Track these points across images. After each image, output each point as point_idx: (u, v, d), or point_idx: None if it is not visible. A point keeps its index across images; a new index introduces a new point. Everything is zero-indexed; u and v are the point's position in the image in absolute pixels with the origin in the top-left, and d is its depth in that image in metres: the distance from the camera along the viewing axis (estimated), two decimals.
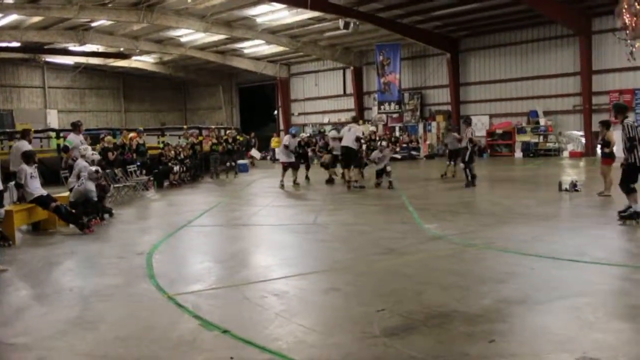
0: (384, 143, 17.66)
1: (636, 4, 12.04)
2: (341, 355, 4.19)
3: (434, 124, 28.58)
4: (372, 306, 5.26)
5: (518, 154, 25.42)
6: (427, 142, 28.18)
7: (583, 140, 23.85)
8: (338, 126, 21.78)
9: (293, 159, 16.33)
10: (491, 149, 26.37)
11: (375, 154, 15.52)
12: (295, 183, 16.34)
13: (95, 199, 10.46)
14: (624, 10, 12.24)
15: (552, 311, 5.06)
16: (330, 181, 16.60)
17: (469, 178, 14.48)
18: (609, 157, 11.91)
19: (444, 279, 6.19)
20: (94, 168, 10.75)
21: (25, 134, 11.37)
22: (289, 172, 16.22)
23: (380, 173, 15.18)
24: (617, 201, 11.08)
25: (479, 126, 24.81)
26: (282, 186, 15.94)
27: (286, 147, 16.22)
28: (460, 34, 27.21)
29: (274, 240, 9.21)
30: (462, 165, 14.97)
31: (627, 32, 12.50)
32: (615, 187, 10.67)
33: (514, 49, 26.19)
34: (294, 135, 16.90)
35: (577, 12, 22.68)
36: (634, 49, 12.95)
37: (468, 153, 14.52)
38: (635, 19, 12.18)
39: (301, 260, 7.56)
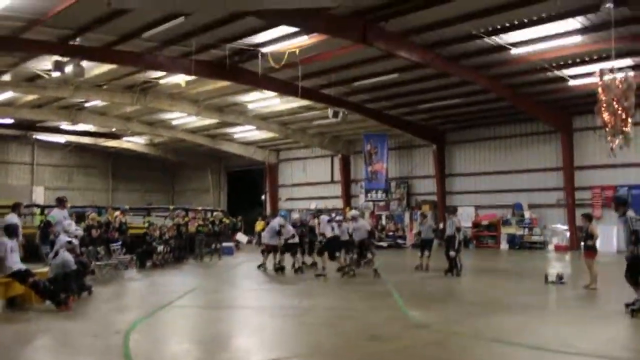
0: (353, 212, 16.59)
1: (614, 103, 12.53)
2: None
3: (419, 213, 28.76)
4: None
5: (504, 245, 25.47)
6: (413, 232, 28.23)
7: (567, 234, 24.05)
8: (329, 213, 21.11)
9: (276, 242, 15.48)
10: (477, 240, 26.44)
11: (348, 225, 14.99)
12: (278, 267, 15.38)
13: (74, 267, 10.27)
14: (602, 109, 12.70)
15: None
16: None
17: (458, 266, 14.27)
18: (591, 249, 11.95)
19: None
20: (67, 238, 10.64)
21: (15, 207, 11.31)
22: (271, 255, 15.71)
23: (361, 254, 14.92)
24: (604, 294, 11.08)
25: (464, 217, 25.00)
26: (262, 268, 15.70)
27: (279, 229, 15.37)
28: (446, 127, 28.00)
29: (255, 323, 8.98)
30: (452, 253, 14.32)
31: (606, 129, 12.92)
32: (598, 280, 10.70)
33: (498, 142, 26.91)
34: (284, 217, 16.54)
35: (558, 110, 23.53)
36: (613, 146, 13.34)
37: (457, 241, 14.38)
38: (614, 117, 12.62)
39: (283, 343, 7.36)
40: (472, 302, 10.68)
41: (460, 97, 22.51)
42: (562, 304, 10.98)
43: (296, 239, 15.47)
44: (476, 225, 26.63)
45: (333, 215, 18.14)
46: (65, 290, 9.84)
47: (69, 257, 10.30)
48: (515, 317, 8.89)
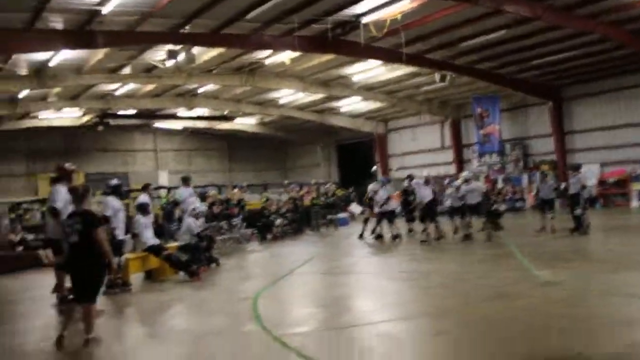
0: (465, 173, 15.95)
1: None
2: None
3: (538, 173, 27.45)
4: (484, 350, 4.99)
5: (635, 203, 23.69)
6: (532, 193, 27.02)
7: None
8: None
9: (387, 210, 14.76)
10: (604, 199, 24.81)
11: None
12: (376, 235, 14.95)
13: (197, 231, 11.03)
14: None
15: None
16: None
17: (584, 225, 13.53)
18: None
19: (563, 325, 5.76)
20: (193, 207, 11.42)
21: (145, 188, 12.22)
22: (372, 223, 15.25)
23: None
24: None
25: (589, 174, 23.51)
26: (361, 237, 15.52)
27: (372, 195, 15.05)
28: (562, 82, 26.28)
29: (374, 287, 9.08)
30: (578, 211, 13.54)
31: None
32: None
33: (620, 93, 24.83)
34: (384, 184, 15.84)
35: None
36: None
37: (582, 199, 13.67)
38: None
39: (403, 305, 7.38)
40: (602, 260, 10.08)
41: (575, 49, 20.98)
42: None
43: (391, 205, 14.95)
44: (602, 182, 24.95)
45: (446, 181, 17.46)
46: (195, 262, 10.51)
47: (192, 221, 11.05)
48: None
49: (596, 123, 25.83)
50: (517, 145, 28.90)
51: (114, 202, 9.39)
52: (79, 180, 26.14)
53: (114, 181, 9.90)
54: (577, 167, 14.91)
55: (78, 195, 6.43)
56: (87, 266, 5.98)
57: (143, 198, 11.48)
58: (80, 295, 6.07)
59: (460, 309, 6.87)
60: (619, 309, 6.37)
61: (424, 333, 5.87)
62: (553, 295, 7.23)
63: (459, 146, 31.60)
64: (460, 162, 31.31)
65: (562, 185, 15.56)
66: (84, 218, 6.10)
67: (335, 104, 31.04)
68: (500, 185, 28.01)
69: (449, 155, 32.02)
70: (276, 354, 5.30)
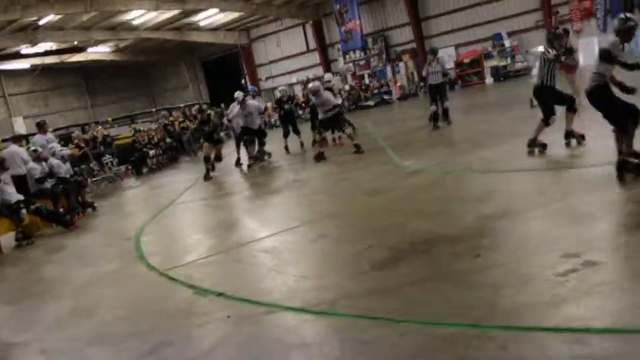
0: (315, 84, 12.46)
1: None
2: (334, 295, 4.28)
3: (401, 64, 28.40)
4: (360, 245, 5.34)
5: (489, 80, 25.39)
6: (398, 84, 28.07)
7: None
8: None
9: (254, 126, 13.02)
10: (461, 80, 26.34)
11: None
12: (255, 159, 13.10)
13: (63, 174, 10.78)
14: None
15: (532, 219, 5.18)
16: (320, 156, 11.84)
17: (450, 115, 13.17)
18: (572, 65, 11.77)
19: (427, 208, 6.29)
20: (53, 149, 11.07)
21: (17, 139, 11.43)
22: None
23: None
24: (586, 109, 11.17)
25: (446, 58, 24.71)
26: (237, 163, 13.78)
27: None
28: None
29: (257, 204, 9.27)
30: (447, 103, 12.98)
31: None
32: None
33: None
34: (254, 96, 14.53)
35: None
36: None
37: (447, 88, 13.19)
38: None
39: (286, 216, 7.62)
40: (463, 140, 10.86)
41: None
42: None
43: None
44: (459, 64, 26.37)
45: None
46: (68, 211, 10.07)
47: (57, 163, 10.66)
48: (506, 145, 9.05)
49: (447, 6, 26.85)
50: (379, 38, 29.51)
51: None
52: None
53: None
54: (434, 52, 13.41)
55: None
56: None
57: (15, 149, 10.85)
58: None
59: (337, 210, 7.23)
60: (473, 186, 7.01)
61: (305, 241, 6.13)
62: (418, 183, 7.77)
63: (323, 47, 31.74)
64: (327, 63, 31.59)
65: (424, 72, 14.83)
66: None
67: (193, 18, 29.67)
68: (367, 81, 28.76)
69: (316, 57, 32.15)
70: (164, 290, 5.34)
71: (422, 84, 13.64)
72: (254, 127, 13.00)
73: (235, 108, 13.41)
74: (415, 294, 4.03)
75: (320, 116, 12.03)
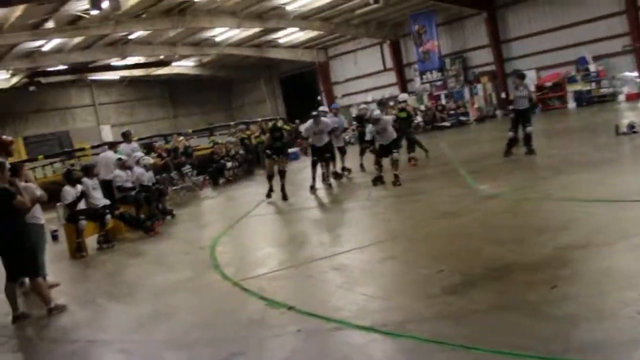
0: (376, 112, 12.09)
1: None
2: (403, 317, 4.28)
3: (479, 86, 27.96)
4: (431, 269, 5.31)
5: (571, 104, 24.53)
6: (475, 106, 27.62)
7: (638, 80, 22.79)
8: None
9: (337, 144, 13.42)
10: (543, 103, 25.56)
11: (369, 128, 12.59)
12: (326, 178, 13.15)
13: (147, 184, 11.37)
14: None
15: (615, 252, 4.98)
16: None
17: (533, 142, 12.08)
18: None
19: (502, 234, 6.17)
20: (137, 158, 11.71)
21: (112, 145, 12.19)
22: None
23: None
24: None
25: (527, 81, 24.11)
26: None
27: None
28: None
29: (328, 221, 9.35)
30: (529, 129, 11.95)
31: None
32: None
33: None
34: (335, 113, 14.42)
35: None
36: None
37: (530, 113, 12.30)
38: None
39: (357, 234, 7.67)
40: (542, 167, 10.58)
41: None
42: (635, 153, 10.68)
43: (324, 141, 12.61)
44: (540, 88, 25.65)
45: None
46: (149, 218, 10.54)
47: (141, 172, 11.45)
48: (588, 173, 8.74)
49: (529, 29, 26.25)
50: (457, 59, 29.21)
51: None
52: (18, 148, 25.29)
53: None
54: (521, 76, 12.79)
55: None
56: (10, 243, 5.87)
57: (109, 155, 11.92)
58: (17, 274, 6.07)
59: (410, 231, 7.21)
60: (552, 214, 6.81)
61: (376, 260, 6.15)
62: (494, 208, 7.62)
63: (400, 66, 31.73)
64: (403, 83, 31.54)
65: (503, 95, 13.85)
66: None
67: (272, 36, 30.49)
68: (443, 101, 28.48)
69: (392, 77, 32.15)
70: (237, 300, 5.49)
71: (510, 107, 12.79)
72: (319, 145, 12.53)
73: (309, 122, 12.96)
74: (487, 321, 3.97)
75: (379, 142, 11.75)
